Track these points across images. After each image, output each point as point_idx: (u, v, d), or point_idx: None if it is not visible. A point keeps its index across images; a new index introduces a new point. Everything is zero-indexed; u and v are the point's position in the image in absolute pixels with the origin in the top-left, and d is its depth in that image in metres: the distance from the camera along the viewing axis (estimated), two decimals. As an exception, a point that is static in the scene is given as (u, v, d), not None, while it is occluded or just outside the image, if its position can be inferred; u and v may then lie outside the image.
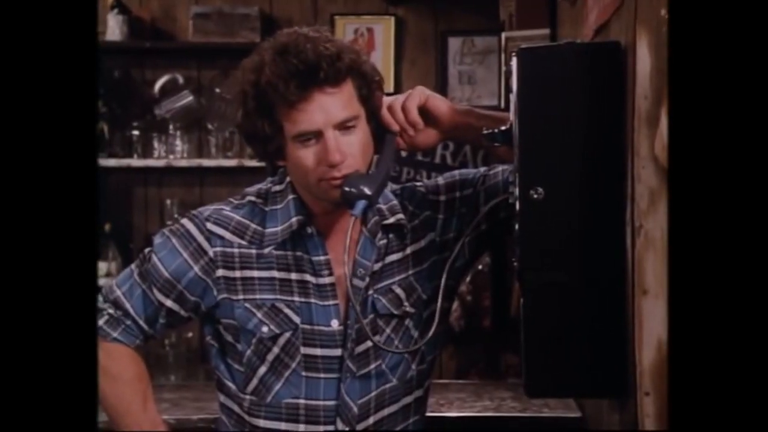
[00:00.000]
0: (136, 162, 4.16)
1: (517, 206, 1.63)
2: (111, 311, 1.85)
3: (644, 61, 1.42)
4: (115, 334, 1.84)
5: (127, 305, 1.84)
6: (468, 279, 4.04)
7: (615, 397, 1.70)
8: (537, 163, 1.61)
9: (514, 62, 1.63)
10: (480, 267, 4.02)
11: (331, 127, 1.71)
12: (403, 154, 2.66)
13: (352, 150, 1.73)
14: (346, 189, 1.72)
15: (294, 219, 1.81)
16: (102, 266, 4.05)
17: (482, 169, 1.95)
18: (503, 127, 1.74)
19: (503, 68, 3.87)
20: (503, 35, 3.65)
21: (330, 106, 1.71)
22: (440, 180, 1.95)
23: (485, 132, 1.78)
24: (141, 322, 1.85)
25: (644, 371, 1.43)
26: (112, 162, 4.13)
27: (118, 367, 1.84)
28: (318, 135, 1.72)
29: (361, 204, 1.72)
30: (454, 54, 4.24)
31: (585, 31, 2.06)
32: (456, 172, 1.97)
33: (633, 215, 1.50)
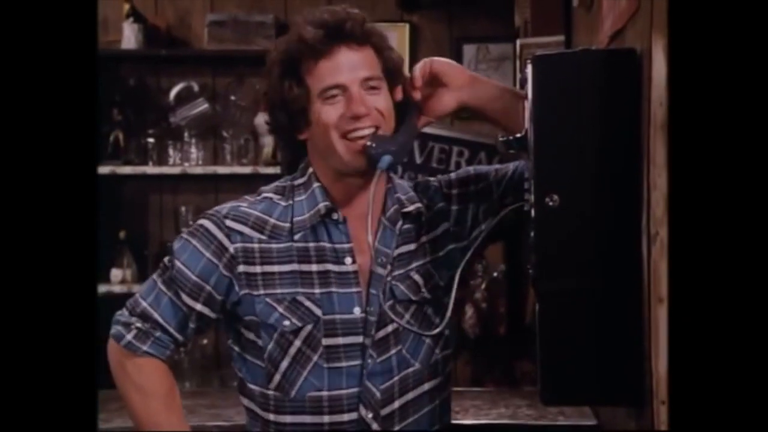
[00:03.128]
0: (151, 169, 4.17)
1: (533, 213, 1.63)
2: (139, 325, 1.83)
3: (660, 68, 1.42)
4: (145, 348, 1.83)
5: (156, 315, 1.83)
6: (483, 286, 4.04)
7: (631, 405, 1.69)
8: (552, 170, 1.61)
9: (529, 69, 1.63)
10: (495, 274, 4.02)
11: (357, 82, 1.78)
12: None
13: (376, 106, 1.79)
14: (370, 144, 1.76)
15: (321, 205, 1.83)
16: (117, 273, 4.06)
17: (496, 165, 1.99)
18: (518, 134, 1.74)
19: (518, 75, 3.87)
20: (518, 42, 3.65)
21: (355, 62, 1.79)
22: (453, 175, 1.99)
23: (501, 139, 1.79)
24: (171, 330, 1.84)
25: (660, 379, 1.42)
26: (127, 169, 4.13)
27: (150, 383, 1.84)
28: (343, 90, 1.78)
29: (386, 158, 1.76)
30: (468, 61, 4.24)
31: (600, 37, 2.06)
32: (470, 167, 2.01)
33: (648, 223, 1.49)
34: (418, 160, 2.97)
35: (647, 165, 1.49)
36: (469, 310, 4.02)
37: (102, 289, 3.85)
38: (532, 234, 1.65)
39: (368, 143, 1.76)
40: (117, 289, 3.93)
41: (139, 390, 1.83)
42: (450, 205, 1.94)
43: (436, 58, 1.91)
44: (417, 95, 1.87)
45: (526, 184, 1.72)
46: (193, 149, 4.19)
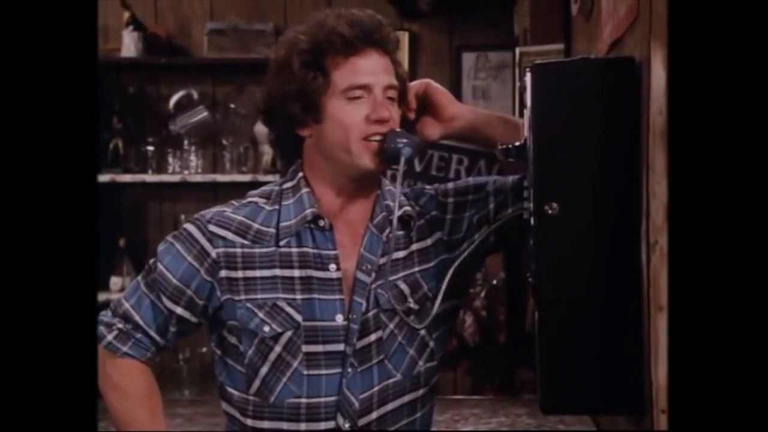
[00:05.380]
0: (150, 177, 4.17)
1: (532, 222, 1.63)
2: (120, 326, 1.85)
3: (659, 77, 1.42)
4: (125, 349, 1.85)
5: (137, 317, 1.85)
6: (483, 294, 4.04)
7: (631, 413, 1.69)
8: (551, 178, 1.61)
9: (528, 77, 1.63)
10: (495, 282, 4.02)
11: (381, 87, 1.79)
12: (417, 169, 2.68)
13: (393, 116, 1.81)
14: (390, 139, 1.77)
15: (308, 210, 1.82)
16: (116, 281, 4.06)
17: (495, 177, 1.99)
18: (518, 143, 1.75)
19: (517, 83, 3.87)
20: (517, 50, 3.66)
21: (383, 67, 1.81)
22: (451, 185, 1.98)
23: (501, 147, 1.79)
24: (152, 333, 1.85)
25: (660, 388, 1.42)
26: (126, 177, 4.14)
27: (129, 383, 1.86)
28: (368, 91, 1.79)
29: (407, 149, 1.77)
30: (468, 69, 4.25)
31: (599, 46, 2.06)
32: (470, 178, 2.01)
33: (648, 231, 1.50)
34: (418, 168, 2.98)
35: (646, 173, 1.49)
36: (469, 319, 4.02)
37: (101, 296, 3.85)
38: (531, 242, 1.65)
39: (387, 138, 1.78)
40: (116, 296, 3.91)
41: (117, 390, 1.84)
42: (445, 214, 1.93)
43: (431, 83, 1.95)
44: (411, 115, 1.91)
45: (526, 192, 1.72)
46: (193, 157, 4.20)
